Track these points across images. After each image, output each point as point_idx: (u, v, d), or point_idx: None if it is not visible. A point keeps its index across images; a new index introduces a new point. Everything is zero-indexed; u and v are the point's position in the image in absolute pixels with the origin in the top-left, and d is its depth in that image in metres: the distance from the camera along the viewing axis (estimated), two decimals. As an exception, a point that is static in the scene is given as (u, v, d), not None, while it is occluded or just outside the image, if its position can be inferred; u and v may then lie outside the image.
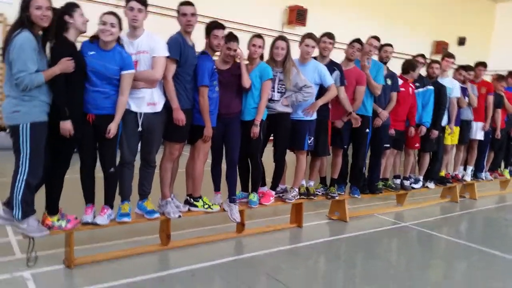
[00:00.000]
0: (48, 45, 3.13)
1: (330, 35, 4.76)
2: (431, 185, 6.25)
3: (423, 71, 6.04)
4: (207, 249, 4.02)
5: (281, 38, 4.38)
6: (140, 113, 3.55)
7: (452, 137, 6.33)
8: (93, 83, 3.27)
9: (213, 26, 3.88)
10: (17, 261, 3.37)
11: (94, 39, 3.30)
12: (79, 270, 3.35)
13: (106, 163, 3.46)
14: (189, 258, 3.76)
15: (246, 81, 4.06)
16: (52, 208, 3.27)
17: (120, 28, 3.31)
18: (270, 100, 4.34)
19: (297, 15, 13.23)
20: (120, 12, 3.48)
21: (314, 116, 4.59)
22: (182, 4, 3.76)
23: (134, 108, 3.54)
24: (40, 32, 3.07)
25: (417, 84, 5.79)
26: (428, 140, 5.92)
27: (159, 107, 3.62)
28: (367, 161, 5.52)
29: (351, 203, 5.79)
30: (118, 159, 3.63)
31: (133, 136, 3.58)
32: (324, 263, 4.08)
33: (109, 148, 3.43)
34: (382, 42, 5.30)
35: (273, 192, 4.62)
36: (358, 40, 4.97)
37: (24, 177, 2.96)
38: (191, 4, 3.77)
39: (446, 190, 6.75)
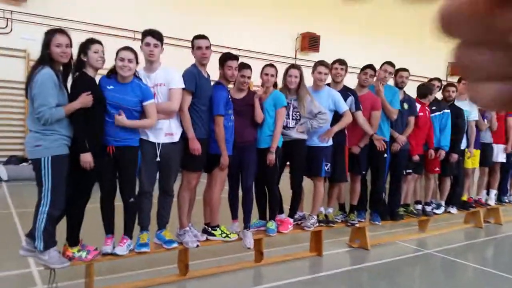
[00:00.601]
0: (69, 80, 3.26)
1: (341, 62, 4.82)
2: (453, 210, 6.11)
3: (438, 95, 6.01)
4: (226, 279, 3.99)
5: (294, 66, 4.46)
6: (158, 144, 3.62)
7: (472, 161, 6.23)
8: (113, 116, 3.37)
9: (226, 57, 3.97)
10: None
11: (111, 73, 3.41)
12: (98, 301, 3.37)
13: (125, 193, 3.51)
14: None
15: (259, 116, 4.11)
16: (73, 239, 3.31)
17: (137, 62, 3.42)
18: (285, 127, 4.37)
19: (310, 42, 13.42)
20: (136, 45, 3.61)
21: (330, 142, 4.59)
22: (196, 37, 3.87)
23: (152, 138, 3.61)
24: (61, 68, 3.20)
25: (433, 108, 5.76)
26: (448, 164, 5.83)
27: (176, 138, 3.69)
28: (388, 187, 5.45)
29: (371, 230, 5.67)
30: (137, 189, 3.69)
31: (151, 166, 3.64)
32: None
33: (129, 178, 3.49)
34: (397, 65, 5.33)
35: (291, 220, 4.59)
36: (370, 66, 5.01)
37: (46, 209, 3.03)
38: (205, 37, 3.88)
39: (469, 215, 6.58)
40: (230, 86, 4.18)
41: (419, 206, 5.83)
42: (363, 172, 5.06)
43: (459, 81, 6.23)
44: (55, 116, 3.01)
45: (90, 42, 3.28)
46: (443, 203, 6.05)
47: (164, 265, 4.09)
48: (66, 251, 3.27)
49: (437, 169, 5.82)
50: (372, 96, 4.97)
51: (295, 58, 13.02)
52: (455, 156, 5.80)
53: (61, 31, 3.15)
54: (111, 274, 3.81)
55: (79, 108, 3.15)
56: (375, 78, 5.11)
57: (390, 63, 5.14)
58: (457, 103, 5.97)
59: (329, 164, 4.60)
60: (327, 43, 13.44)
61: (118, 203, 3.55)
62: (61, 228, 3.34)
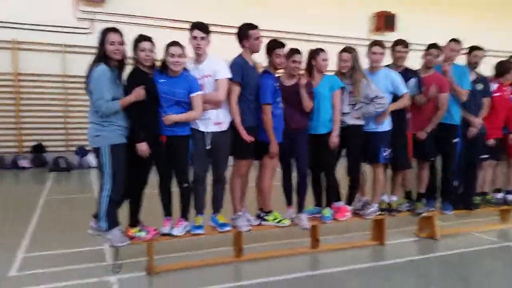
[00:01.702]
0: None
1: (404, 43, 4.56)
2: (543, 200, 5.46)
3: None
4: (279, 263, 4.07)
5: (345, 49, 4.34)
6: (208, 132, 3.80)
7: None
8: (165, 107, 3.61)
9: (275, 45, 4.00)
10: (107, 267, 3.80)
11: (163, 68, 3.64)
12: (159, 278, 3.68)
13: (179, 179, 3.77)
14: (260, 271, 3.86)
15: (306, 105, 4.08)
16: (133, 220, 3.65)
17: (185, 56, 3.62)
18: (342, 112, 4.29)
19: (385, 21, 12.76)
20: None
21: (388, 127, 4.41)
22: (251, 28, 3.93)
23: (202, 128, 3.81)
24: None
25: (517, 87, 5.18)
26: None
27: (225, 126, 3.84)
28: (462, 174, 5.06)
29: (444, 220, 5.34)
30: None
31: (202, 154, 3.84)
32: (406, 284, 3.81)
33: (181, 165, 3.73)
34: (479, 42, 4.87)
35: (349, 207, 4.51)
36: (435, 45, 4.66)
37: (108, 193, 3.39)
38: (257, 27, 3.96)
39: None
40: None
41: (500, 195, 5.33)
42: (431, 159, 4.76)
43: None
44: (111, 109, 3.33)
45: (137, 40, 3.53)
46: (527, 191, 5.44)
47: (221, 246, 4.30)
48: (128, 231, 3.62)
49: (520, 154, 5.25)
50: (438, 77, 4.64)
51: (370, 39, 12.51)
52: (540, 140, 5.17)
53: (114, 29, 3.47)
54: (170, 253, 4.11)
55: (134, 101, 3.43)
56: (441, 58, 4.77)
57: (456, 40, 4.75)
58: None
59: (388, 150, 4.43)
60: (404, 21, 12.68)
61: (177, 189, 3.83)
62: (125, 211, 3.70)
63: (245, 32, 3.94)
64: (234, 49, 4.06)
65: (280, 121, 4.06)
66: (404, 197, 4.92)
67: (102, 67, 3.36)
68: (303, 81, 4.10)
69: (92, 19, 10.43)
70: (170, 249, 4.13)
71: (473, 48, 4.92)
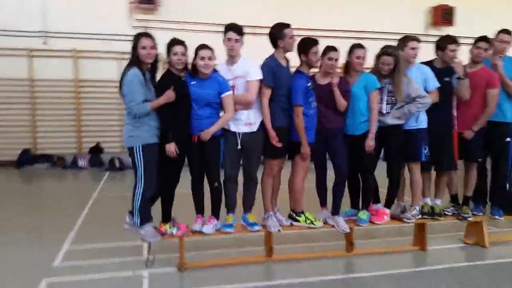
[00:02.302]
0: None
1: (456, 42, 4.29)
2: None
3: None
4: (311, 265, 4.00)
5: (387, 53, 4.09)
6: (239, 133, 3.83)
7: None
8: (196, 108, 3.69)
9: (311, 43, 3.94)
10: (142, 261, 3.91)
11: (193, 70, 3.71)
12: (189, 273, 3.76)
13: (210, 178, 3.82)
14: (290, 272, 3.81)
15: (340, 105, 3.97)
16: (166, 217, 3.76)
17: (215, 58, 3.67)
18: (379, 113, 4.12)
19: (443, 15, 12.12)
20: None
21: (425, 124, 4.22)
22: (288, 26, 3.90)
23: (233, 128, 3.84)
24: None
25: None
26: None
27: (255, 127, 3.85)
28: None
29: (498, 226, 4.99)
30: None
31: (233, 154, 3.87)
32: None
33: (212, 164, 3.78)
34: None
35: (388, 211, 4.33)
36: (484, 38, 4.37)
37: (141, 190, 3.52)
38: (288, 26, 3.92)
39: None
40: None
41: None
42: (479, 160, 4.46)
43: None
44: (142, 111, 3.46)
45: (170, 44, 3.64)
46: None
47: (255, 246, 4.29)
48: (160, 227, 3.73)
49: None
50: (487, 72, 4.35)
51: (427, 34, 11.95)
52: None
53: (146, 34, 3.60)
54: (204, 250, 4.18)
55: (165, 103, 3.53)
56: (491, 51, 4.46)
57: (506, 31, 4.41)
58: None
59: (427, 148, 4.21)
60: (463, 15, 11.98)
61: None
62: (159, 208, 3.81)
63: (280, 32, 3.89)
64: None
65: (313, 121, 3.99)
66: (450, 200, 4.64)
67: (134, 71, 3.49)
68: (336, 79, 3.99)
69: (146, 26, 10.89)
70: (204, 246, 4.22)
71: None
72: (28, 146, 10.46)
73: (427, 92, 4.15)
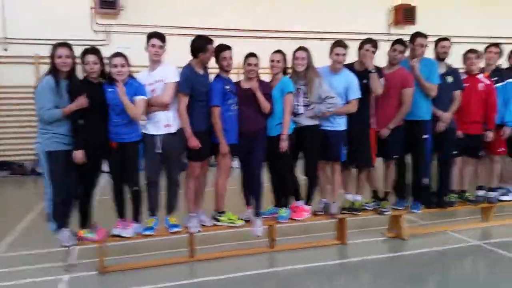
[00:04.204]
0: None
1: (372, 42, 4.48)
2: (528, 197, 5.19)
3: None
4: (234, 262, 4.14)
5: (301, 48, 4.36)
6: (158, 135, 3.96)
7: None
8: (113, 115, 3.80)
9: (220, 49, 4.10)
10: (64, 267, 3.98)
11: (110, 78, 3.81)
12: (109, 277, 3.85)
13: (129, 183, 3.94)
14: (214, 270, 3.96)
15: (264, 107, 4.14)
16: (83, 222, 3.87)
17: (129, 65, 3.81)
18: (296, 114, 4.33)
19: (405, 14, 12.37)
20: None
21: (344, 126, 4.41)
22: (211, 42, 4.05)
23: (152, 131, 3.95)
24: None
25: (495, 78, 4.96)
26: (516, 143, 4.97)
27: (173, 129, 3.97)
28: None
29: (426, 219, 5.24)
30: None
31: (154, 157, 3.98)
32: (349, 284, 3.81)
33: (131, 169, 3.90)
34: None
35: (308, 207, 4.52)
36: (400, 41, 4.58)
37: (49, 197, 3.63)
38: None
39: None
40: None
41: (481, 192, 5.12)
42: (395, 156, 4.67)
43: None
44: (53, 117, 3.56)
45: (83, 54, 3.77)
46: (512, 188, 5.19)
47: (180, 248, 4.42)
48: (79, 232, 3.85)
49: (502, 149, 5.03)
50: (402, 73, 4.54)
51: (389, 33, 12.18)
52: (523, 134, 4.92)
53: (62, 44, 3.71)
54: (128, 254, 4.28)
55: (78, 109, 3.65)
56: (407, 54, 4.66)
57: (421, 35, 4.61)
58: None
59: (345, 148, 4.43)
60: (425, 14, 12.23)
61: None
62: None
63: (204, 45, 4.01)
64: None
65: (233, 123, 4.14)
66: (372, 196, 4.85)
67: (47, 78, 3.61)
68: (255, 84, 4.16)
69: (108, 31, 10.97)
70: (128, 250, 4.31)
71: (439, 40, 4.77)
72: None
73: (347, 100, 4.36)
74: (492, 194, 5.10)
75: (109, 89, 3.82)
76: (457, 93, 4.74)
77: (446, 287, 3.70)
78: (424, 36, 4.64)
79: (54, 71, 3.68)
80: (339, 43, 4.44)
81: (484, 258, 4.32)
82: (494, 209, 5.20)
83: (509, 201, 5.21)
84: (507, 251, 4.31)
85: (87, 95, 3.69)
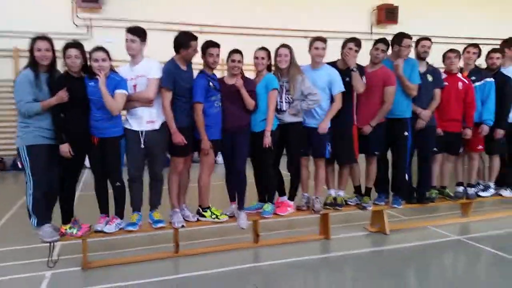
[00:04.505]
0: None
1: (355, 41, 4.54)
2: (506, 193, 5.36)
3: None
4: (219, 257, 4.16)
5: (284, 45, 4.38)
6: (142, 131, 3.94)
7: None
8: (94, 109, 3.77)
9: (208, 45, 4.10)
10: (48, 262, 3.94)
11: (91, 72, 3.77)
12: (92, 272, 3.83)
13: (111, 178, 3.92)
14: (198, 265, 3.97)
15: (248, 103, 4.15)
16: (65, 217, 3.83)
17: (110, 59, 3.77)
18: (279, 111, 4.35)
19: (387, 14, 12.55)
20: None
21: (329, 124, 4.46)
22: (195, 39, 4.03)
23: (135, 127, 3.94)
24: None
25: (473, 78, 5.08)
26: (493, 141, 5.10)
27: (157, 125, 3.97)
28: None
29: (407, 214, 5.36)
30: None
31: (136, 153, 3.97)
32: (332, 278, 3.87)
33: (112, 165, 3.87)
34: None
35: (292, 203, 4.56)
36: (383, 40, 4.66)
37: (30, 191, 3.58)
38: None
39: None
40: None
41: (461, 189, 5.24)
42: (376, 152, 4.75)
43: (507, 46, 5.34)
44: (31, 110, 3.52)
45: (65, 47, 3.70)
46: (491, 184, 5.33)
47: (164, 243, 4.42)
48: (61, 228, 3.81)
49: (480, 147, 5.16)
50: (384, 72, 4.61)
51: (371, 33, 12.34)
52: (500, 132, 5.09)
53: (41, 37, 3.66)
54: (112, 250, 4.27)
55: (58, 104, 3.60)
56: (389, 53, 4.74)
57: (408, 36, 4.69)
58: (504, 70, 5.17)
59: (330, 144, 4.50)
60: (406, 14, 12.43)
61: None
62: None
63: (187, 42, 3.99)
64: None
65: (216, 120, 4.15)
66: (354, 192, 4.93)
67: (25, 72, 3.56)
68: (240, 81, 4.16)
69: (90, 25, 10.81)
70: (112, 246, 4.30)
71: (420, 39, 4.86)
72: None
73: (331, 95, 4.41)
74: (471, 190, 5.23)
75: (90, 83, 3.78)
76: (437, 91, 4.84)
77: (427, 280, 3.78)
78: (410, 37, 4.72)
79: (33, 64, 3.63)
80: (317, 38, 4.49)
81: (463, 252, 4.42)
82: (473, 204, 5.33)
83: (488, 196, 5.34)
84: (485, 245, 4.44)
85: (67, 89, 3.65)
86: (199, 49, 4.10)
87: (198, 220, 4.25)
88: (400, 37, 4.71)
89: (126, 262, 4.04)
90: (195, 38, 4.06)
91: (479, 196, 5.28)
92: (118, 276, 3.73)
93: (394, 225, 4.96)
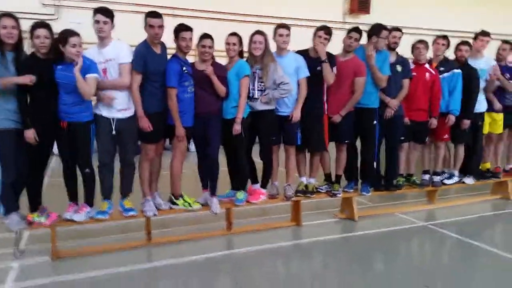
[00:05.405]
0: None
1: (326, 29, 4.55)
2: (468, 180, 5.57)
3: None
4: (191, 245, 4.16)
5: (258, 32, 4.37)
6: (113, 118, 3.86)
7: (494, 126, 5.54)
8: (63, 93, 3.65)
9: (180, 28, 4.03)
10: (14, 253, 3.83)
11: (59, 55, 3.64)
12: (62, 262, 3.75)
13: (81, 164, 3.83)
14: (171, 253, 3.94)
15: (219, 90, 4.13)
16: (33, 205, 3.73)
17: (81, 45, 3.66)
18: (251, 98, 4.35)
19: (360, 3, 12.69)
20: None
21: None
22: (149, 15, 3.95)
23: (106, 114, 3.85)
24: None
25: (442, 69, 5.22)
26: (459, 130, 5.28)
27: (129, 113, 3.90)
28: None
29: (375, 201, 5.50)
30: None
31: (107, 140, 3.88)
32: (303, 263, 3.95)
33: (82, 151, 3.78)
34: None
35: (264, 190, 4.60)
36: (356, 29, 4.70)
37: (-1, 178, 3.48)
38: (159, 16, 3.95)
39: (497, 186, 5.92)
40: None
41: (427, 176, 5.42)
42: (346, 141, 4.84)
43: (475, 37, 5.51)
44: None
45: (33, 27, 3.58)
46: (456, 172, 5.54)
47: (136, 231, 4.38)
48: (28, 216, 3.72)
49: (446, 136, 5.33)
50: (355, 62, 4.66)
51: (344, 22, 12.43)
52: (466, 122, 5.26)
53: (7, 15, 3.52)
54: (82, 239, 4.20)
55: (24, 87, 3.47)
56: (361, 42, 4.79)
57: (386, 28, 4.75)
58: (472, 61, 5.34)
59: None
60: (379, 4, 12.58)
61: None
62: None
63: (145, 20, 3.93)
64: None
65: (189, 105, 4.11)
66: (324, 179, 5.01)
67: None
68: (210, 68, 4.11)
69: (58, 5, 10.43)
70: (82, 235, 4.23)
71: (391, 30, 4.93)
72: None
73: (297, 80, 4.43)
74: (437, 178, 5.41)
75: (59, 67, 3.66)
76: (406, 81, 4.94)
77: (394, 265, 3.91)
78: (388, 29, 4.80)
79: None
80: (281, 25, 4.51)
81: (429, 237, 4.58)
82: (438, 192, 5.53)
83: (452, 184, 5.54)
84: (450, 231, 4.62)
85: (34, 71, 3.52)
86: (171, 32, 4.03)
87: (170, 208, 4.23)
88: (379, 28, 4.77)
89: (97, 251, 3.98)
90: (155, 15, 3.91)
91: (444, 184, 5.46)
92: (89, 266, 3.67)
93: (362, 212, 5.09)
